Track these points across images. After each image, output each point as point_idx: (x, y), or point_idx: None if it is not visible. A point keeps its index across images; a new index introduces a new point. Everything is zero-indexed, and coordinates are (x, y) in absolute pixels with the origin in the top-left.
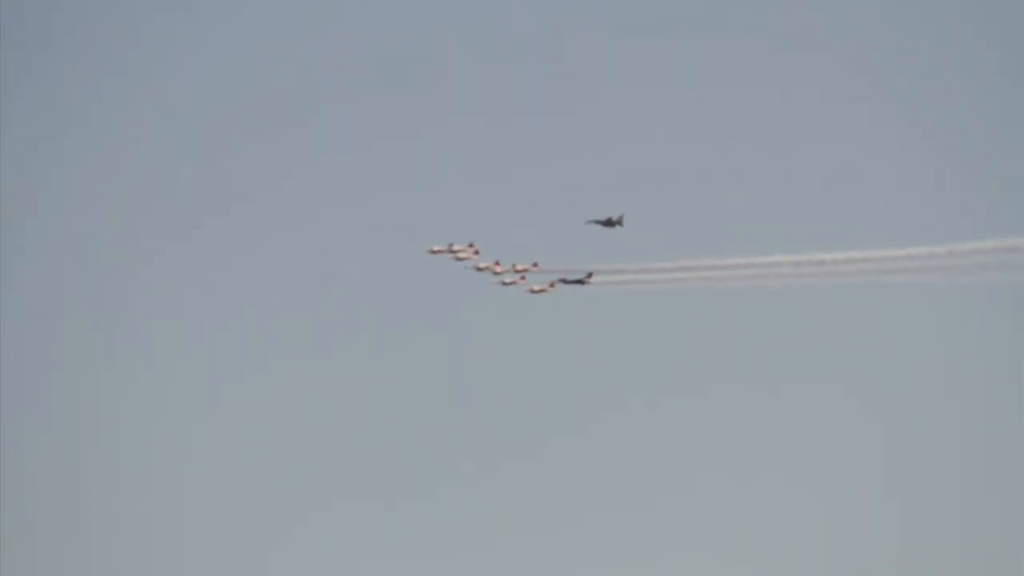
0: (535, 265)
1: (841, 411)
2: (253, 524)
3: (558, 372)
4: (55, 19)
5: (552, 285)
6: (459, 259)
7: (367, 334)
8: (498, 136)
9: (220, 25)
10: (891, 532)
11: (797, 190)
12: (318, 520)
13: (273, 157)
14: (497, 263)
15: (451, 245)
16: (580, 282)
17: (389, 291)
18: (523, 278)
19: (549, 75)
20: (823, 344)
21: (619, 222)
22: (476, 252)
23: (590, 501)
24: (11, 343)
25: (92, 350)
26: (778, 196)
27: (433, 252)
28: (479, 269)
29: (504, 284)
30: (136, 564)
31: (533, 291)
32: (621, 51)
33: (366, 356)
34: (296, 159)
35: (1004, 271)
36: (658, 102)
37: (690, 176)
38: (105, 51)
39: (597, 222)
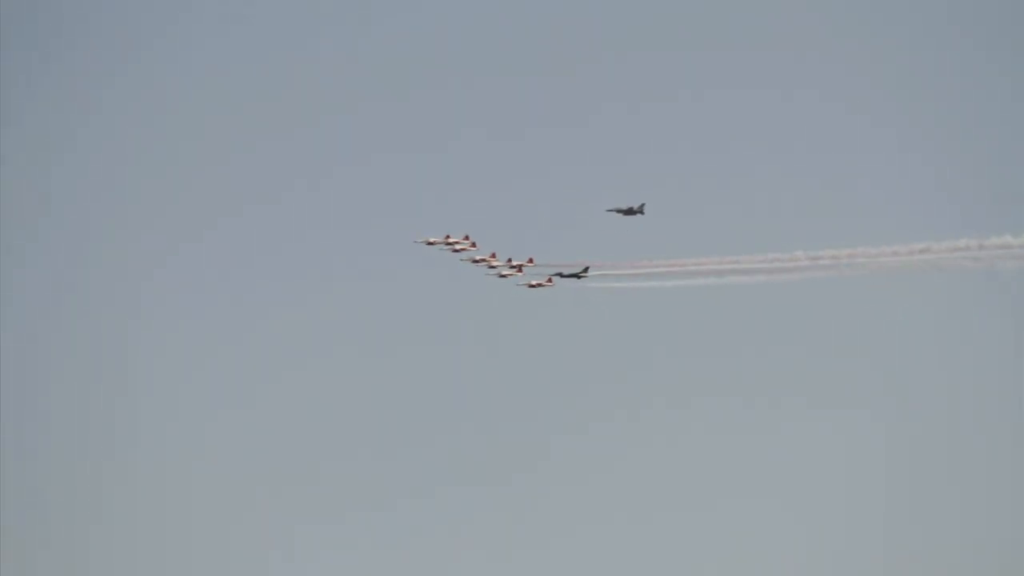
0: (530, 261)
1: (842, 412)
2: (252, 526)
3: (558, 370)
4: (62, 26)
5: (549, 280)
6: (455, 251)
7: (371, 333)
8: (500, 140)
9: (230, 33)
10: (890, 533)
11: (795, 190)
12: (315, 522)
13: (277, 162)
14: (493, 255)
15: (447, 236)
16: (576, 276)
17: (392, 289)
18: (520, 270)
19: (550, 80)
20: (823, 344)
21: (640, 211)
22: (473, 244)
23: (589, 503)
24: (13, 344)
25: (94, 351)
26: (777, 196)
27: (429, 243)
28: (475, 261)
29: (501, 276)
30: (136, 565)
31: (531, 286)
32: (620, 58)
33: (370, 355)
34: (297, 164)
35: (1003, 267)
36: (657, 105)
37: (690, 176)
38: (115, 56)
39: (618, 211)
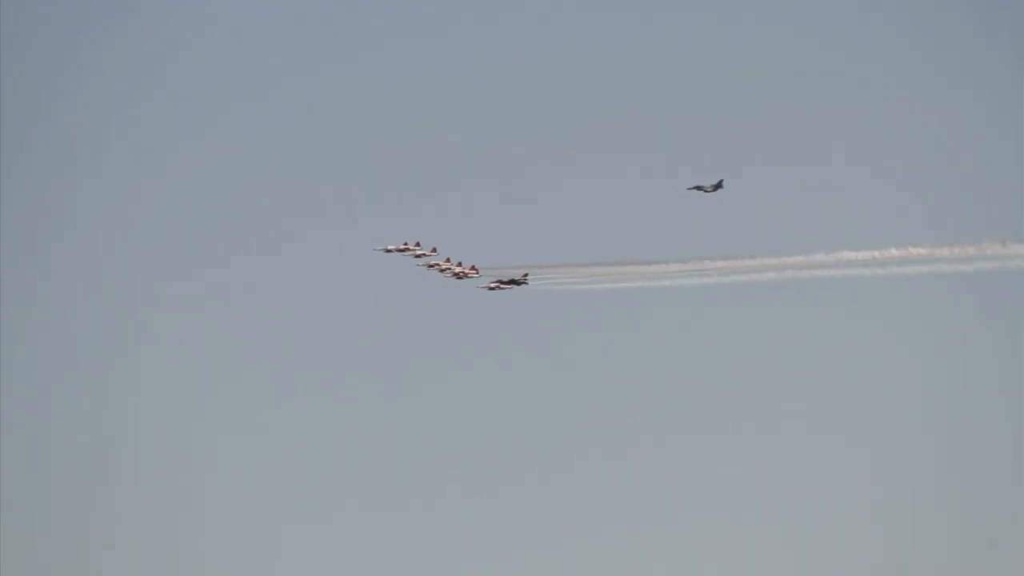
0: (473, 268)
1: (825, 422)
2: (244, 529)
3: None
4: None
5: (506, 284)
6: (417, 256)
7: (360, 340)
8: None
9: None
10: (885, 546)
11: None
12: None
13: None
14: (448, 260)
15: (404, 243)
16: (516, 282)
17: (378, 298)
18: (474, 268)
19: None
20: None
21: (720, 186)
22: (434, 250)
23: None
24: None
25: (97, 353)
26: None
27: (387, 251)
28: (430, 267)
29: (458, 278)
30: (137, 565)
31: (490, 287)
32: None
33: (359, 360)
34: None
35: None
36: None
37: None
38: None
39: (700, 188)
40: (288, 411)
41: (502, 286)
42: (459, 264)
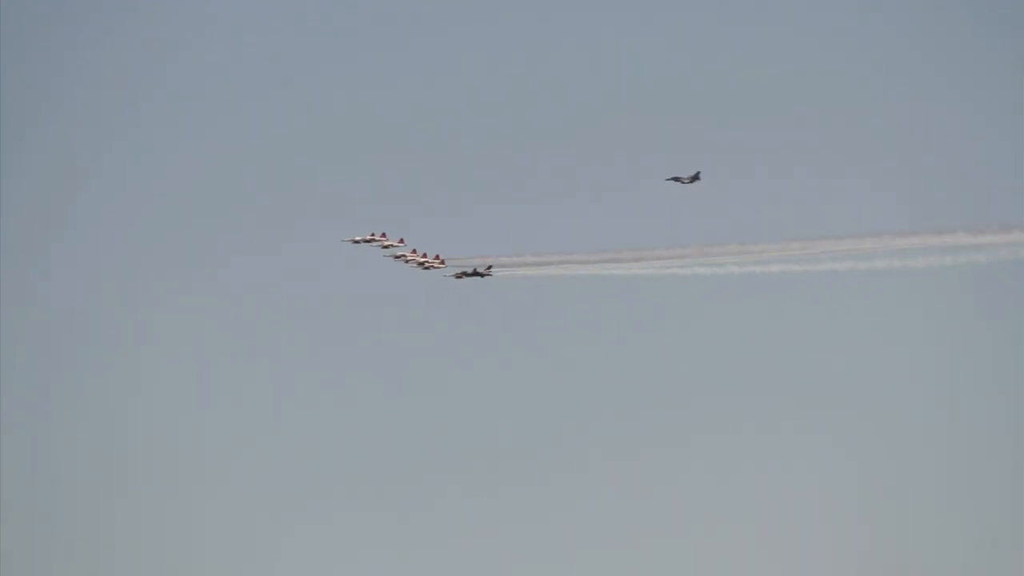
0: (437, 257)
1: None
2: (243, 528)
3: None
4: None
5: (469, 275)
6: (384, 247)
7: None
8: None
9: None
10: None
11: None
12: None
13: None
14: (415, 251)
15: (372, 234)
16: (479, 274)
17: (377, 297)
18: (441, 260)
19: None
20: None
21: (697, 178)
22: (401, 240)
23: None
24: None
25: (97, 353)
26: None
27: (355, 242)
28: (396, 257)
29: (424, 268)
30: (137, 565)
31: (456, 277)
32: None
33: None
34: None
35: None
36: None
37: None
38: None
39: (677, 179)
40: (286, 410)
41: (466, 277)
42: (424, 255)
